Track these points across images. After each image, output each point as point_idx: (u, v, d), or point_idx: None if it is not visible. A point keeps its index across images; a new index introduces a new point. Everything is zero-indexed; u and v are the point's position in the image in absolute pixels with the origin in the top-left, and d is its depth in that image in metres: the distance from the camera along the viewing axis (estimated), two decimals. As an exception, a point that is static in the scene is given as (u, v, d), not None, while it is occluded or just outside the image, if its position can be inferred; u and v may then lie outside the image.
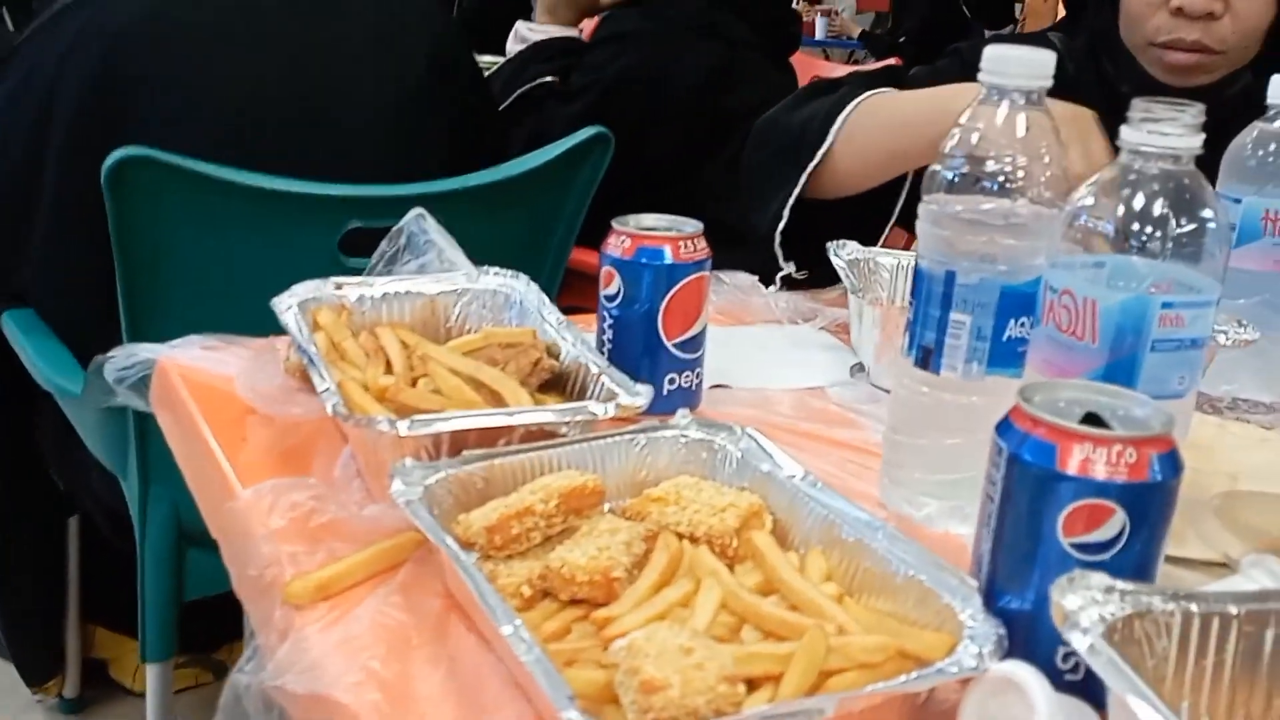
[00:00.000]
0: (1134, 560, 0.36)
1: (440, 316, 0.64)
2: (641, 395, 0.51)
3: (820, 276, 0.81)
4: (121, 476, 0.93)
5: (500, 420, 0.49)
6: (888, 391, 0.59)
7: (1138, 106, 0.44)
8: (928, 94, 0.78)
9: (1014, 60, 0.48)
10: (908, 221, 0.70)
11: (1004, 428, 0.38)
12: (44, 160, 0.86)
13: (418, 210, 0.71)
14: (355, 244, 0.84)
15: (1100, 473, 0.36)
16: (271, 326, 0.59)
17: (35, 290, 0.93)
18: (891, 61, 1.34)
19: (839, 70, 1.63)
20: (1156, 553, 0.37)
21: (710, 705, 0.33)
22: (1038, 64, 0.48)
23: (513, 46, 1.34)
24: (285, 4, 0.91)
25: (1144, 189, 0.44)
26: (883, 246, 0.81)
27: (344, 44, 0.93)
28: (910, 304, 0.51)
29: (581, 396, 0.55)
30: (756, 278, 0.83)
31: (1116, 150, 0.45)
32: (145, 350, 0.64)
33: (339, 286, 0.62)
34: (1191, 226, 0.44)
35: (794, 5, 1.46)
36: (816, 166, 0.80)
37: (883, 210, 0.85)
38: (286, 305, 0.59)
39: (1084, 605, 0.33)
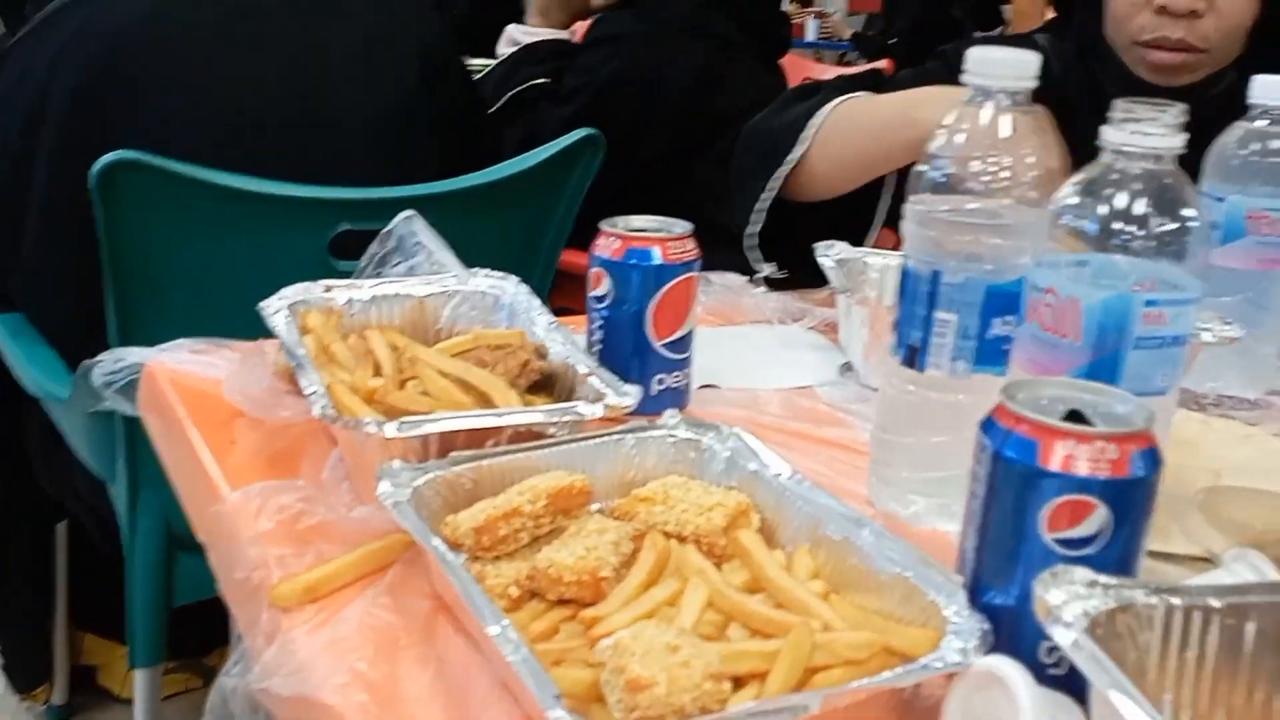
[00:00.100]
0: (1116, 555, 0.36)
1: (430, 318, 0.64)
2: (629, 395, 0.51)
3: (801, 277, 0.81)
4: (110, 481, 0.92)
5: (488, 421, 0.49)
6: (876, 390, 0.59)
7: (1119, 107, 0.44)
8: (897, 100, 0.79)
9: (998, 62, 0.49)
10: (895, 223, 0.71)
11: (988, 425, 0.38)
12: (35, 163, 0.86)
13: (408, 212, 0.71)
14: (345, 247, 0.84)
15: (1082, 469, 0.36)
16: (262, 330, 0.59)
17: (24, 294, 0.92)
18: (879, 64, 1.35)
19: (830, 72, 1.63)
20: (1138, 547, 0.37)
21: (696, 703, 0.33)
22: (1021, 65, 0.48)
23: (504, 49, 1.34)
24: (283, 5, 0.91)
25: (1126, 188, 0.45)
26: (872, 248, 0.82)
27: (340, 46, 0.93)
28: (897, 303, 0.52)
29: (570, 398, 0.55)
30: (747, 278, 0.83)
31: (1095, 150, 0.45)
32: (133, 354, 0.64)
33: (328, 289, 0.62)
34: (1174, 225, 0.45)
35: (784, 7, 1.46)
36: (794, 170, 0.81)
37: (864, 213, 0.86)
38: (275, 308, 0.59)
39: (1067, 600, 0.34)
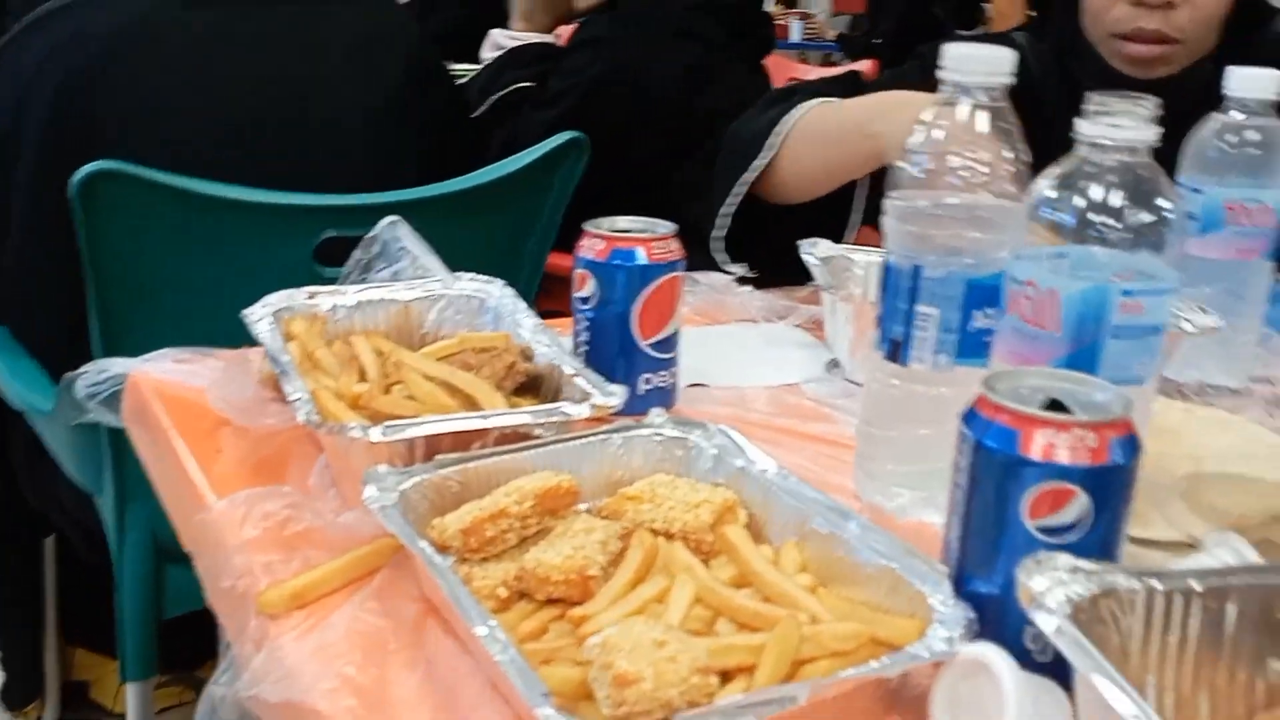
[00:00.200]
0: (1098, 541, 0.37)
1: (415, 323, 0.64)
2: (615, 395, 0.52)
3: (775, 277, 0.82)
4: (96, 494, 0.92)
5: (474, 424, 0.49)
6: (862, 386, 0.60)
7: (1093, 100, 0.45)
8: (856, 110, 0.80)
9: (973, 58, 0.49)
10: (876, 221, 0.72)
11: (969, 416, 0.39)
12: (17, 173, 0.85)
13: (391, 217, 0.71)
14: (331, 254, 0.84)
15: (1062, 457, 0.36)
16: (247, 339, 0.59)
17: (6, 307, 0.92)
18: (859, 66, 1.36)
19: (815, 73, 1.64)
20: (1119, 533, 0.38)
21: (683, 696, 0.33)
22: (996, 61, 0.49)
23: (488, 54, 1.34)
24: (269, 13, 0.91)
25: (1102, 181, 0.45)
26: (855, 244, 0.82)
27: (326, 52, 0.93)
28: (879, 298, 0.52)
29: (557, 399, 0.55)
30: (732, 278, 0.84)
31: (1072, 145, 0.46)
32: (116, 365, 0.63)
33: (312, 296, 0.62)
34: (1150, 217, 0.45)
35: (769, 8, 1.47)
36: (766, 175, 0.82)
37: (840, 212, 0.87)
38: (258, 316, 0.59)
39: (1050, 586, 0.34)
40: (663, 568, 0.43)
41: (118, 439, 0.84)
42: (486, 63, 1.31)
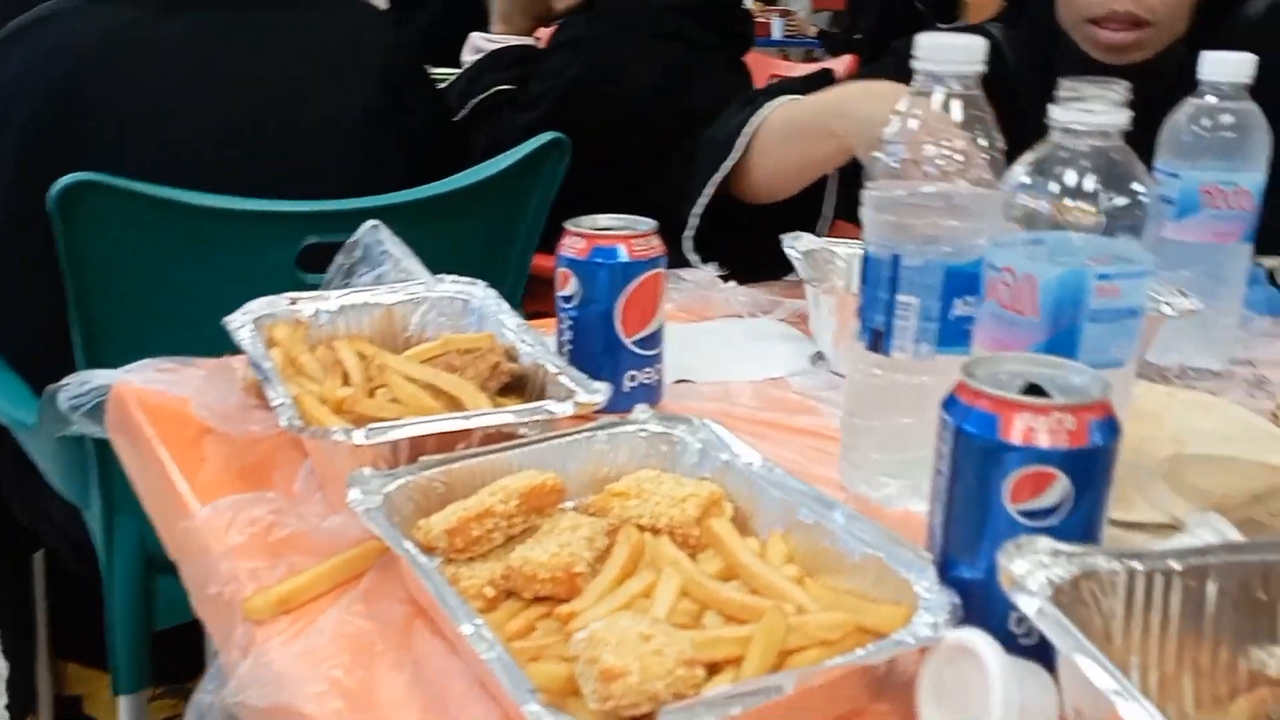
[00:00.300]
0: (1079, 524, 0.37)
1: (398, 326, 0.64)
2: (599, 392, 0.52)
3: (748, 274, 0.83)
4: (84, 507, 0.91)
5: (458, 424, 0.49)
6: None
7: (1065, 86, 0.45)
8: (818, 107, 0.80)
9: (946, 48, 0.49)
10: (850, 213, 0.72)
11: (949, 403, 0.39)
12: None
13: (372, 222, 0.71)
14: (314, 260, 0.83)
15: (1042, 440, 0.36)
16: (231, 346, 0.58)
17: None
18: (830, 64, 1.37)
19: (797, 70, 1.65)
20: (1100, 515, 0.38)
21: (670, 689, 0.33)
22: (969, 50, 0.49)
23: (468, 57, 1.34)
24: (248, 22, 0.90)
25: (1075, 166, 0.46)
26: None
27: (303, 61, 0.93)
28: (860, 289, 0.52)
29: (542, 398, 0.55)
30: (716, 274, 0.84)
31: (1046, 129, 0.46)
32: (99, 376, 0.63)
33: (294, 301, 0.62)
34: (1124, 200, 0.45)
35: (748, 5, 1.48)
36: (738, 175, 0.83)
37: (811, 207, 0.87)
38: (240, 323, 0.58)
39: (1031, 570, 0.34)
40: (650, 563, 0.43)
41: (104, 451, 0.83)
42: (466, 66, 1.31)
